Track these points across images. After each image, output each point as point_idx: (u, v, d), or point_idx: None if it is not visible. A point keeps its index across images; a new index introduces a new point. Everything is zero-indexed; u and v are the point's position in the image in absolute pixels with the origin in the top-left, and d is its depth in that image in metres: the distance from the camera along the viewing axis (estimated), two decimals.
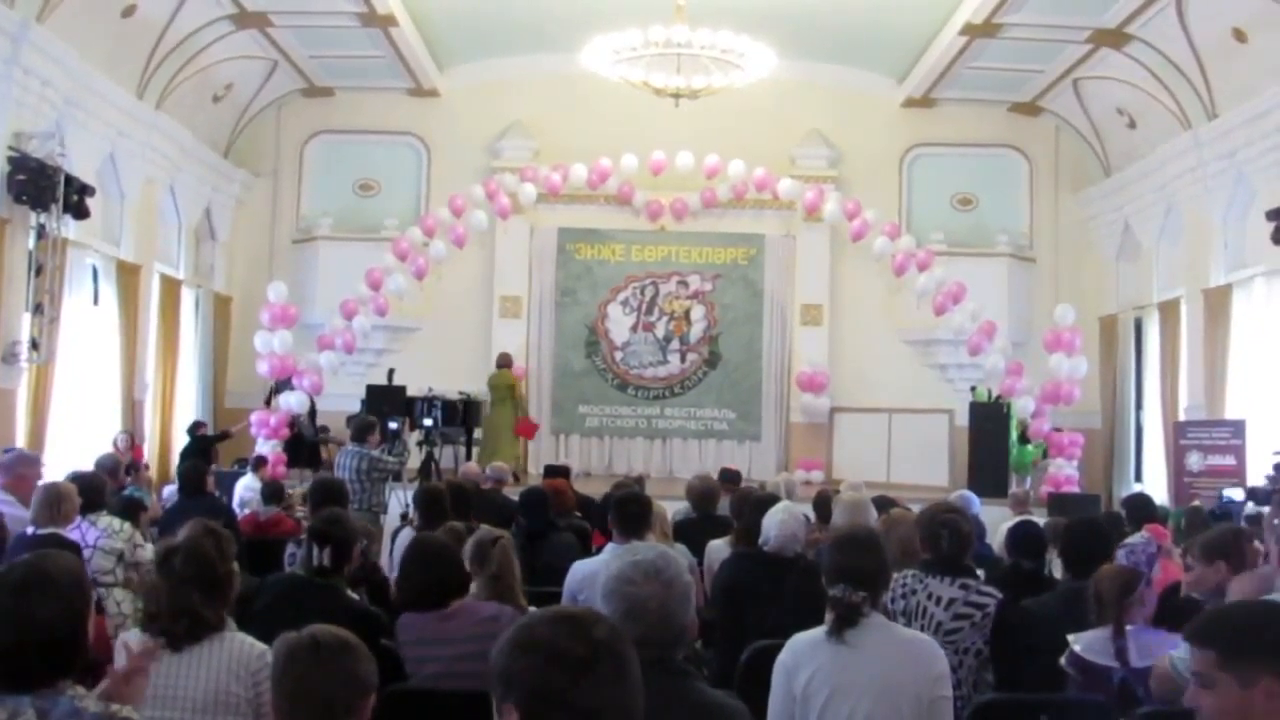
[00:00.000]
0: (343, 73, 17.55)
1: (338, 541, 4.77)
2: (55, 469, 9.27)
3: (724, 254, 18.18)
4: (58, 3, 11.83)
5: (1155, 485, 15.19)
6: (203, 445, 14.06)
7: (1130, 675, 4.19)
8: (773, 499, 6.25)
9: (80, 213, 12.73)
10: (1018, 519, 8.02)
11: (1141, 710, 3.93)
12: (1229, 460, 13.46)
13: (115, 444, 13.04)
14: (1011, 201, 18.54)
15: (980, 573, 4.67)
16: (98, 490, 6.64)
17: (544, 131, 17.85)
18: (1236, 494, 11.99)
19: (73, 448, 12.71)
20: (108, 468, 9.01)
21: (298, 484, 12.83)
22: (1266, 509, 10.94)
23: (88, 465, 9.01)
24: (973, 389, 16.39)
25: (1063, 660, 4.33)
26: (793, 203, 17.38)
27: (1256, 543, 5.05)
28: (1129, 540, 4.70)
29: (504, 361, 16.58)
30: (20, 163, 11.59)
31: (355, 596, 5.07)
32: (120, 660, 3.65)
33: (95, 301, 14.08)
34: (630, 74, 14.10)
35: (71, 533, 6.12)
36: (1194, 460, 13.90)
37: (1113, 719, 4.01)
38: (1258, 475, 12.42)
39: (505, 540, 5.01)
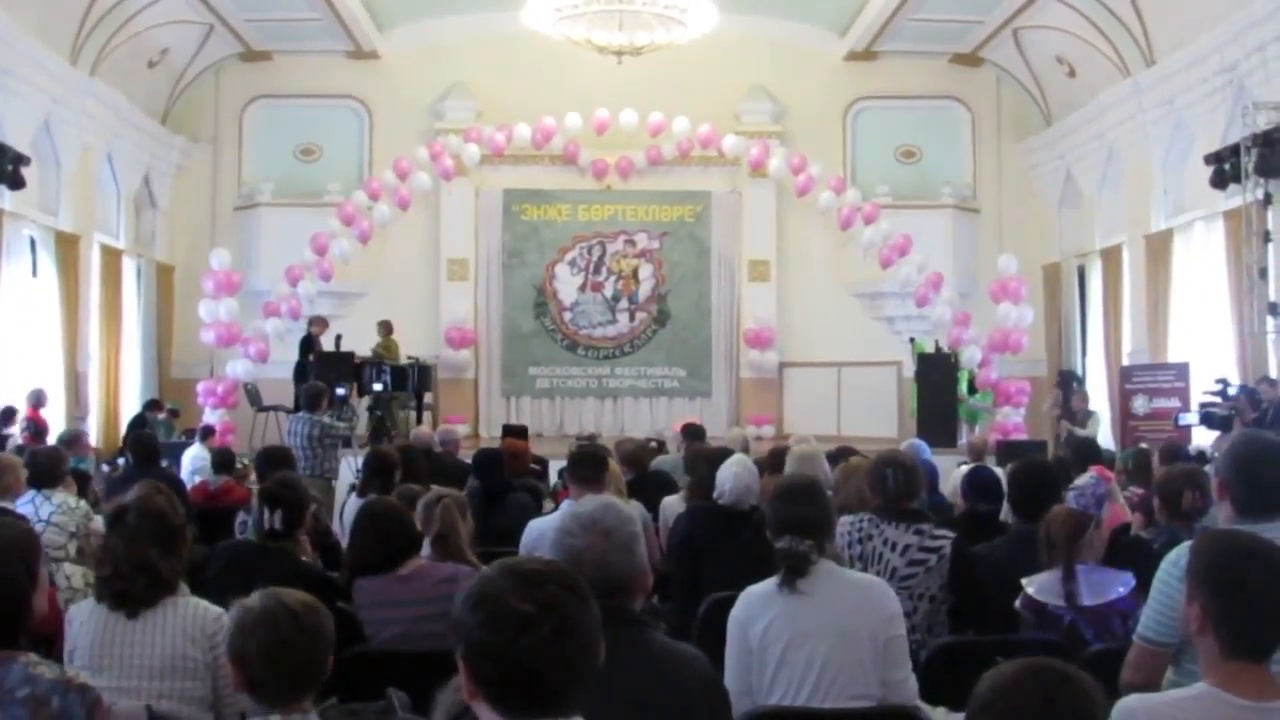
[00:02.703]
0: (281, 36, 17.26)
1: (289, 504, 4.72)
2: None
3: (670, 211, 18.14)
4: None
5: (1101, 429, 15.38)
6: None
7: (1078, 618, 4.24)
8: (726, 453, 6.27)
9: (15, 183, 12.53)
10: (972, 465, 8.08)
11: (1090, 650, 3.99)
12: (1173, 402, 13.69)
13: (39, 399, 12.82)
14: (954, 153, 18.64)
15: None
16: (55, 465, 6.54)
17: (487, 92, 17.68)
18: (1191, 418, 12.20)
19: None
20: (66, 441, 8.91)
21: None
22: (1216, 434, 11.13)
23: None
24: (912, 341, 16.33)
25: (1017, 603, 4.38)
26: (738, 159, 17.39)
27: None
28: (1078, 482, 4.75)
29: (391, 329, 16.14)
30: None
31: (308, 560, 5.04)
32: (70, 632, 3.61)
33: (34, 273, 13.85)
34: (572, 32, 14.01)
35: (23, 506, 6.04)
36: (1139, 403, 14.13)
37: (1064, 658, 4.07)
38: None
39: (449, 500, 4.96)
